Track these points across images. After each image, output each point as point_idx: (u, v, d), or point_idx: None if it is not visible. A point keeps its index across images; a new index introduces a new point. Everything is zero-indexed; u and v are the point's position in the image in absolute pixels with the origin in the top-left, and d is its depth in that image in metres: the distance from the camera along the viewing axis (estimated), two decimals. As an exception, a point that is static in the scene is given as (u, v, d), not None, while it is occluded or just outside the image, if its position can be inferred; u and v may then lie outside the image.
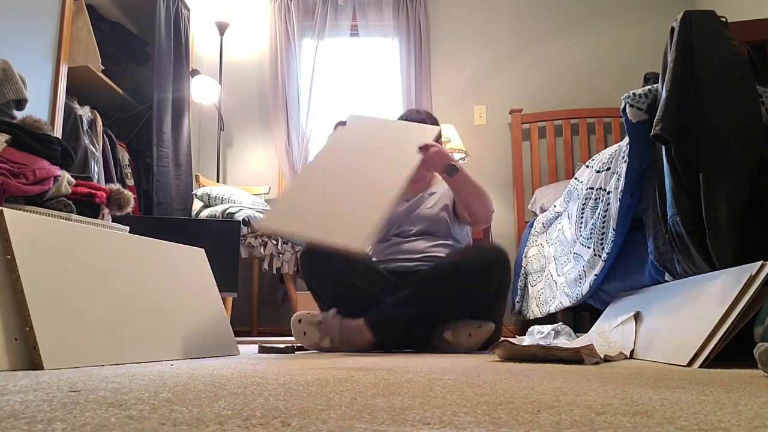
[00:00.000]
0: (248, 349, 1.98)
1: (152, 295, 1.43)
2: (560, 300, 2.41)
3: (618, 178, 1.79)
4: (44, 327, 1.05)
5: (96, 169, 2.75)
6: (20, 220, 1.13)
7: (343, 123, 1.82)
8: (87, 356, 1.13)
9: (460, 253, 1.87)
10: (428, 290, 1.72)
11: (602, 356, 1.28)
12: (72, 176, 1.78)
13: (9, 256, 1.07)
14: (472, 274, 1.72)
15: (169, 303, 1.48)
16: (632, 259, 1.83)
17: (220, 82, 3.73)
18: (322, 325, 1.73)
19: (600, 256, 1.96)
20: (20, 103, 1.92)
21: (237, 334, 1.92)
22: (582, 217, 2.14)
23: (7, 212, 1.11)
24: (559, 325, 1.87)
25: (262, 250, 2.99)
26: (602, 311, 2.00)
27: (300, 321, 1.78)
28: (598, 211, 1.98)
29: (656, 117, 1.45)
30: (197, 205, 3.22)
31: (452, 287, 1.71)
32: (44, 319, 1.06)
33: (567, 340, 1.75)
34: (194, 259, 1.71)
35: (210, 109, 3.85)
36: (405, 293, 1.74)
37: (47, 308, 1.09)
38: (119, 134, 3.23)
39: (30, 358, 1.03)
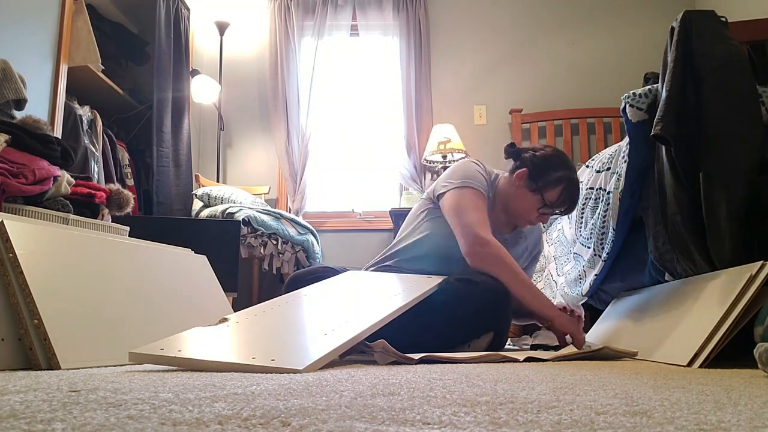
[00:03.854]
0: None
1: (161, 300, 1.44)
2: (560, 300, 2.41)
3: (618, 178, 1.79)
4: (59, 330, 1.06)
5: (96, 169, 2.75)
6: (21, 228, 1.13)
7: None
8: (100, 358, 1.14)
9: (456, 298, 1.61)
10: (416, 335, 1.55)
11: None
12: (72, 176, 1.77)
13: None
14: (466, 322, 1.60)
15: (179, 307, 1.49)
16: (632, 259, 1.83)
17: (220, 82, 3.73)
18: None
19: (600, 256, 1.96)
20: (20, 103, 1.92)
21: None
22: (582, 217, 2.14)
23: (8, 223, 1.12)
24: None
25: (262, 250, 2.99)
26: (602, 311, 2.00)
27: None
28: (598, 211, 1.98)
29: (656, 117, 1.45)
30: (197, 205, 3.22)
31: (450, 335, 1.56)
32: (58, 322, 1.07)
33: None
34: (197, 264, 1.72)
35: (210, 109, 3.85)
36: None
37: (59, 312, 1.10)
38: (119, 134, 3.23)
39: (27, 359, 1.03)
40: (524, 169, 1.70)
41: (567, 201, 1.66)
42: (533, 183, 1.67)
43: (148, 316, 1.36)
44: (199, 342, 1.11)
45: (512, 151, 1.76)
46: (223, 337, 1.16)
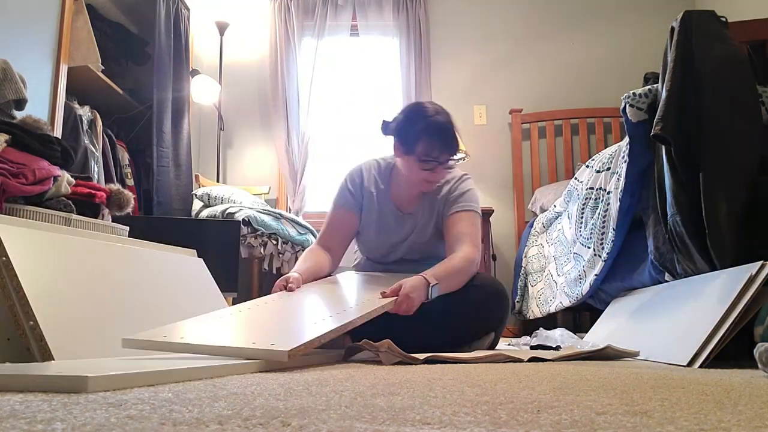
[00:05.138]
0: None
1: (157, 302, 1.44)
2: (560, 300, 2.41)
3: (618, 178, 1.79)
4: (55, 332, 1.06)
5: (96, 169, 2.75)
6: (16, 233, 1.13)
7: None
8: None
9: (456, 304, 1.63)
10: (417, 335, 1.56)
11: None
12: (72, 176, 1.77)
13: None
14: (466, 321, 1.63)
15: (175, 309, 1.49)
16: (632, 259, 1.83)
17: (220, 82, 3.73)
18: None
19: (600, 256, 1.96)
20: (20, 103, 1.92)
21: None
22: (582, 217, 2.14)
23: (1, 227, 1.12)
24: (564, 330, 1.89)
25: (262, 250, 2.99)
26: (602, 311, 2.00)
27: None
28: (598, 211, 1.98)
29: (656, 117, 1.45)
30: (197, 205, 3.22)
31: (445, 335, 1.61)
32: (54, 326, 1.07)
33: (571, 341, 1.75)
34: (194, 267, 1.72)
35: (210, 109, 3.85)
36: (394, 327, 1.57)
37: (55, 315, 1.10)
38: (119, 134, 3.22)
39: (25, 359, 1.03)
40: (395, 139, 1.73)
41: (437, 146, 1.65)
42: (403, 146, 1.70)
43: (144, 319, 1.35)
44: (196, 329, 1.17)
45: (384, 127, 1.77)
46: (221, 325, 1.23)
